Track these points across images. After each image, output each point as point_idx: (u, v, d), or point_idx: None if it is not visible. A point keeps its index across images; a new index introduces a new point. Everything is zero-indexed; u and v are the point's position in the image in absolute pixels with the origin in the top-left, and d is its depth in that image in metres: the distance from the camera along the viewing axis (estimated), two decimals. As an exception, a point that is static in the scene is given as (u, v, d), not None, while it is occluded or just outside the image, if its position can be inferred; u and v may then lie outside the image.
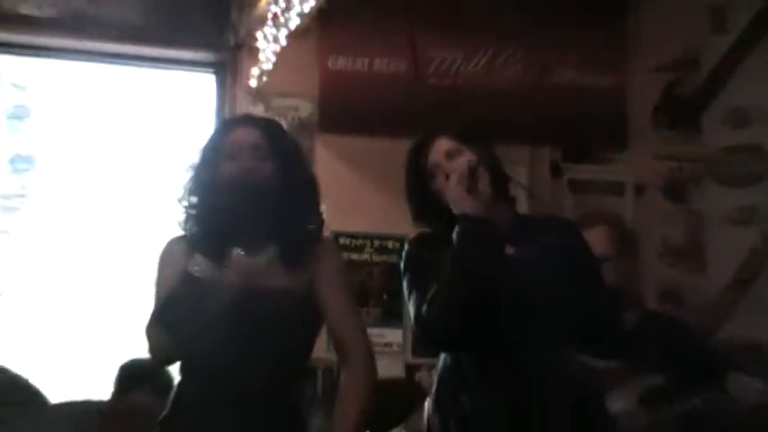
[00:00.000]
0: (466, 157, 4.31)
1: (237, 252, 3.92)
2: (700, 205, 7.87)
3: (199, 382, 4.03)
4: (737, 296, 7.56)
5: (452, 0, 7.79)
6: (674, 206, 7.90)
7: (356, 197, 7.42)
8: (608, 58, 8.02)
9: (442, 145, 4.38)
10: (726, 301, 7.59)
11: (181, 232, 4.15)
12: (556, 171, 7.71)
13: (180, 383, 4.15)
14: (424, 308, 4.23)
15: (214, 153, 4.14)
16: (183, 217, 4.15)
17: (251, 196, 3.98)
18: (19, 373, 5.54)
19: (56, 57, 8.24)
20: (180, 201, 4.16)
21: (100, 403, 5.95)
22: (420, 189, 4.41)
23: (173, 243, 4.19)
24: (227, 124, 4.40)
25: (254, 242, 3.98)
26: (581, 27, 7.96)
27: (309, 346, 4.21)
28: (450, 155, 4.34)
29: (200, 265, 3.87)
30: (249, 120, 4.35)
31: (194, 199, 4.15)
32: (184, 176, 4.17)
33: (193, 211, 4.14)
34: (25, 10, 7.57)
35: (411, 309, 4.40)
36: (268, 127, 4.23)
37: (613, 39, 8.05)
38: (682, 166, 7.91)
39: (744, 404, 5.74)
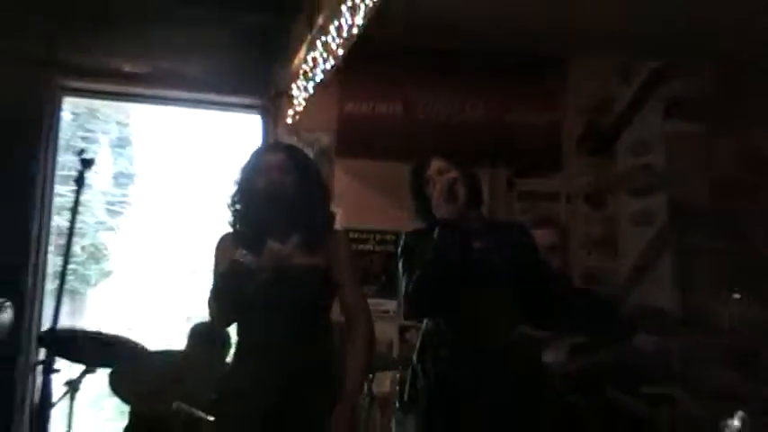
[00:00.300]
0: (450, 175, 4.53)
1: (270, 242, 4.07)
2: (612, 210, 7.99)
3: (253, 336, 4.21)
4: (639, 276, 7.73)
5: (434, 62, 7.86)
6: (593, 211, 8.00)
7: (363, 203, 7.59)
8: (546, 104, 8.09)
9: (436, 164, 4.58)
10: (630, 280, 7.76)
11: (229, 229, 4.33)
12: (510, 185, 7.76)
13: (238, 339, 4.32)
14: (410, 286, 4.44)
15: (252, 171, 4.33)
16: (231, 219, 4.34)
17: (278, 202, 4.19)
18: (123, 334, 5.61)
19: (147, 102, 8.26)
20: (228, 206, 4.35)
21: (179, 352, 6.14)
22: (420, 193, 4.61)
23: (223, 238, 4.35)
24: (261, 150, 4.52)
25: (283, 234, 4.12)
26: (526, 82, 8.07)
27: (327, 307, 4.32)
28: (440, 172, 4.53)
29: (244, 256, 4.02)
30: (277, 146, 4.64)
31: (238, 206, 4.32)
32: (231, 189, 4.35)
33: (237, 215, 4.32)
34: (127, 68, 7.64)
35: (402, 285, 4.60)
36: (290, 150, 4.46)
37: (549, 89, 8.12)
38: (599, 181, 8.04)
39: (645, 353, 5.85)
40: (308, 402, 4.15)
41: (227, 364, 4.39)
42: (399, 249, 4.75)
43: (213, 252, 4.36)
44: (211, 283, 4.24)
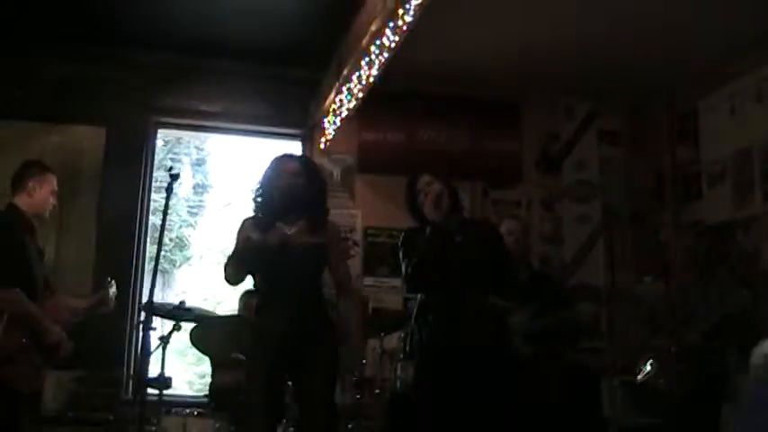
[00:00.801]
0: (436, 187, 4.50)
1: (279, 225, 4.18)
2: (560, 212, 7.93)
3: (272, 292, 4.30)
4: (579, 261, 7.72)
5: (429, 103, 7.84)
6: (546, 213, 7.93)
7: (377, 208, 7.55)
8: (509, 134, 8.05)
9: (425, 179, 4.53)
10: (573, 263, 7.75)
11: (250, 214, 4.39)
12: (485, 194, 7.70)
13: (260, 296, 4.42)
14: (408, 270, 4.43)
15: (272, 173, 4.38)
16: (254, 207, 4.39)
17: (289, 198, 4.27)
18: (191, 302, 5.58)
19: (217, 132, 8.26)
20: (253, 198, 4.40)
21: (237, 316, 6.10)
22: (412, 202, 4.56)
23: (244, 221, 4.41)
24: (279, 159, 4.48)
25: (292, 220, 4.23)
26: (496, 119, 8.06)
27: (321, 274, 4.43)
28: (428, 184, 4.48)
29: (258, 233, 4.15)
30: (291, 156, 4.54)
31: (260, 198, 4.38)
32: (256, 186, 4.41)
33: (259, 205, 4.37)
34: (203, 107, 7.68)
35: (402, 269, 4.56)
36: (301, 160, 4.52)
37: (513, 123, 8.09)
38: (550, 191, 8.00)
39: (583, 319, 5.83)
40: (319, 337, 4.25)
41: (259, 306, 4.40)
42: (400, 242, 4.69)
43: (238, 230, 4.39)
44: (230, 252, 4.30)
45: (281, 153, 4.53)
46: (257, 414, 4.17)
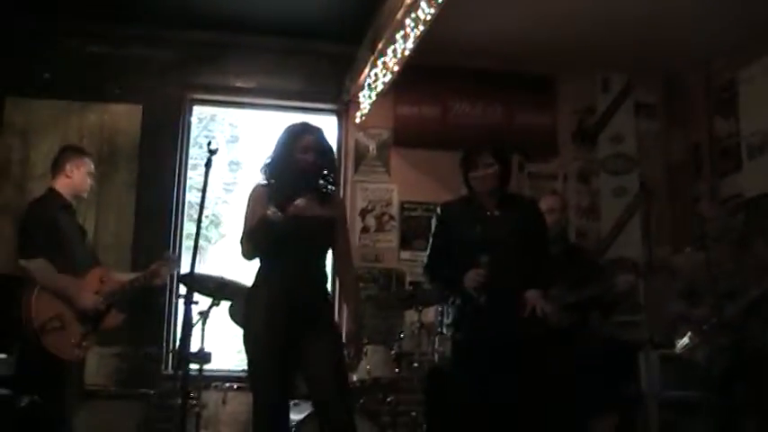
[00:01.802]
0: (494, 170, 4.50)
1: (298, 200, 4.07)
2: (597, 186, 7.88)
3: (278, 265, 4.22)
4: (615, 234, 7.67)
5: (463, 77, 7.81)
6: (583, 186, 7.90)
7: (413, 182, 7.55)
8: (546, 108, 8.00)
9: (486, 159, 4.52)
10: (610, 237, 7.70)
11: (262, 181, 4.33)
12: (521, 168, 7.65)
13: (259, 268, 4.33)
14: (426, 261, 4.77)
15: (283, 143, 4.32)
16: (264, 175, 4.34)
17: (300, 171, 4.20)
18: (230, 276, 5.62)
19: (251, 108, 8.21)
20: (264, 167, 4.36)
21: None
22: (466, 174, 4.60)
23: (256, 188, 4.35)
24: (291, 129, 4.38)
25: (303, 193, 4.12)
26: (532, 92, 8.00)
27: (329, 247, 4.39)
28: (488, 166, 4.51)
29: (274, 213, 4.02)
30: (309, 128, 4.39)
31: (272, 169, 4.31)
32: (269, 155, 4.36)
33: (271, 175, 4.31)
34: (238, 84, 7.67)
35: (428, 249, 4.79)
36: (313, 131, 4.36)
37: (548, 97, 8.05)
38: (587, 164, 7.96)
39: (621, 290, 5.79)
40: (320, 311, 4.26)
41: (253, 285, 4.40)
42: (434, 220, 4.77)
43: (248, 196, 4.34)
44: (245, 224, 4.27)
45: (292, 123, 4.43)
46: (268, 386, 4.12)
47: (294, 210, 4.05)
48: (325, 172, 4.28)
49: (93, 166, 5.49)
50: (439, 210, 4.79)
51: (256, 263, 4.31)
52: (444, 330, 4.96)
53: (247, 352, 4.21)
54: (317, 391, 4.16)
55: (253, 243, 4.19)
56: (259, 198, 4.25)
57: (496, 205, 4.58)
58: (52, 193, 5.31)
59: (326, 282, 4.39)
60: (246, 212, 4.30)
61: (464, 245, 4.50)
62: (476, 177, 4.53)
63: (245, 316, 4.30)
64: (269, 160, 4.34)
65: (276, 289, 4.17)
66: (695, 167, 7.84)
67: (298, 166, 4.21)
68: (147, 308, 6.62)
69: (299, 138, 4.29)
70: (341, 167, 7.29)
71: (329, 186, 4.29)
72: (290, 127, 4.39)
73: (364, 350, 5.21)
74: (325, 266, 4.41)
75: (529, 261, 4.49)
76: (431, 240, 4.76)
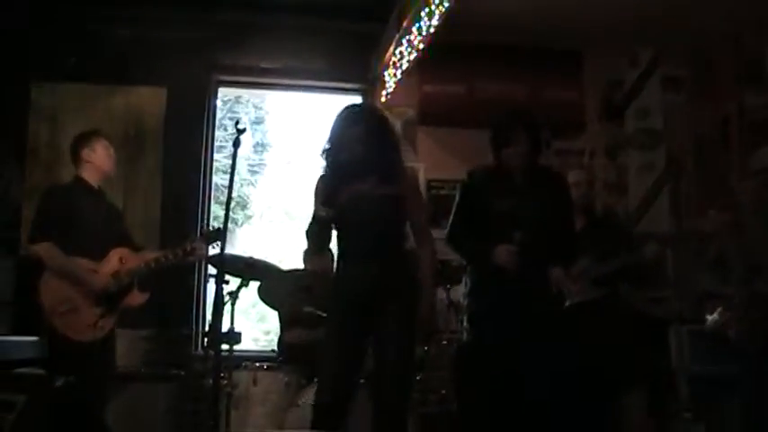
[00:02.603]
0: (526, 146, 4.46)
1: (355, 184, 4.12)
2: (624, 161, 7.80)
3: (351, 245, 4.23)
4: (644, 210, 7.62)
5: (488, 54, 7.79)
6: (610, 161, 7.88)
7: (439, 159, 7.55)
8: (571, 83, 8.00)
9: (521, 134, 4.47)
10: (637, 212, 7.65)
11: (321, 173, 4.28)
12: (547, 144, 7.61)
13: (339, 251, 4.35)
14: (449, 229, 4.66)
15: (339, 128, 4.25)
16: (324, 165, 4.28)
17: (360, 152, 4.16)
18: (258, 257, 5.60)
19: (277, 89, 8.27)
20: (322, 157, 4.29)
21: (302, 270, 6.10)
22: (498, 144, 4.53)
23: (319, 179, 4.29)
24: (346, 112, 4.33)
25: (366, 174, 4.17)
26: (557, 68, 7.99)
27: (401, 223, 4.29)
28: (519, 143, 4.46)
29: (323, 210, 4.11)
30: (357, 108, 4.45)
31: (330, 158, 4.24)
32: (325, 144, 4.30)
33: (329, 165, 4.25)
34: (263, 64, 7.68)
35: (451, 217, 4.68)
36: (368, 111, 4.45)
37: (575, 72, 8.04)
38: (614, 139, 7.90)
39: (649, 258, 5.76)
40: (400, 292, 4.17)
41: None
42: (461, 184, 4.73)
43: (314, 189, 4.29)
44: (311, 219, 4.26)
45: (346, 106, 4.37)
46: (339, 372, 4.11)
47: (352, 190, 4.11)
48: (383, 147, 4.25)
49: (109, 145, 5.48)
50: (467, 176, 4.72)
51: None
52: (461, 300, 4.93)
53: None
54: (379, 378, 4.16)
55: (314, 240, 4.27)
56: (316, 192, 4.26)
57: (526, 178, 4.53)
58: (76, 180, 5.36)
59: (405, 260, 4.31)
60: (314, 201, 4.28)
61: (493, 216, 4.45)
62: (510, 154, 4.47)
63: (330, 303, 4.39)
64: (326, 145, 4.30)
65: (353, 276, 4.19)
66: (724, 141, 7.75)
67: (353, 146, 4.18)
68: (176, 288, 6.68)
69: (352, 117, 4.28)
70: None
71: (391, 162, 4.26)
72: (342, 113, 4.33)
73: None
74: (401, 245, 4.33)
75: (555, 236, 4.47)
76: (456, 207, 4.68)
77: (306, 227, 4.29)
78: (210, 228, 5.40)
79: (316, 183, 4.31)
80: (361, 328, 4.14)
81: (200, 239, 5.29)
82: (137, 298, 5.29)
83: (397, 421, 4.07)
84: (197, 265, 7.10)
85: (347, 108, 4.36)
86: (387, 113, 7.30)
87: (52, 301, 4.99)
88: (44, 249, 5.05)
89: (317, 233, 4.21)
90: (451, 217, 4.69)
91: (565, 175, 5.61)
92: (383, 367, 4.11)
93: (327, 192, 4.16)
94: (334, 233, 4.31)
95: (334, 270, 4.37)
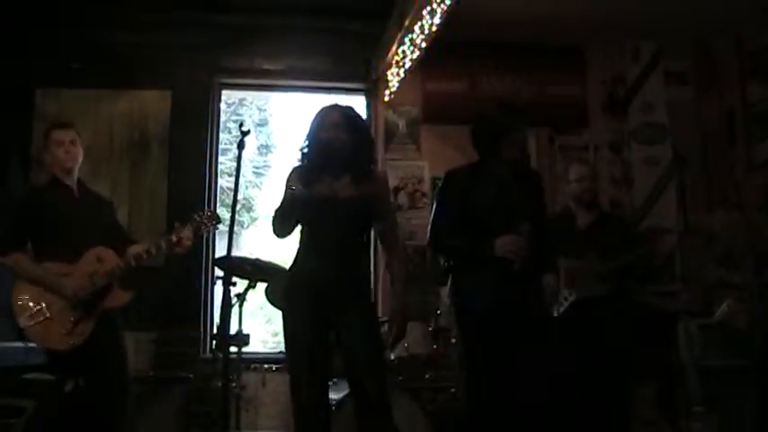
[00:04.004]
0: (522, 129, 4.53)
1: (327, 179, 4.13)
2: (628, 155, 7.74)
3: (313, 242, 4.21)
4: (650, 204, 7.59)
5: (491, 51, 7.78)
6: (614, 155, 7.83)
7: (444, 158, 7.36)
8: (574, 79, 7.96)
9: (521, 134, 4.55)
10: (643, 207, 7.62)
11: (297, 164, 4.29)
12: (551, 140, 7.64)
13: (297, 251, 4.32)
14: (430, 226, 4.66)
15: (316, 125, 4.26)
16: (300, 158, 4.29)
17: (333, 152, 4.16)
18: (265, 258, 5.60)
19: (280, 90, 8.26)
20: (300, 150, 4.30)
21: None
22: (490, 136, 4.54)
23: (291, 171, 4.30)
24: (323, 110, 4.33)
25: (337, 173, 4.16)
26: (559, 64, 7.95)
27: (369, 225, 4.31)
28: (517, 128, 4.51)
29: (299, 190, 4.08)
30: (338, 107, 4.34)
31: (306, 150, 4.26)
32: (303, 138, 4.31)
33: (305, 157, 4.26)
34: (265, 66, 7.67)
35: (431, 214, 4.68)
36: (344, 111, 4.31)
37: (577, 68, 7.98)
38: (618, 134, 7.88)
39: (660, 255, 5.74)
40: (357, 287, 4.24)
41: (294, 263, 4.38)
42: (441, 184, 4.74)
43: (286, 179, 4.31)
44: (277, 204, 4.24)
45: (324, 106, 4.38)
46: (305, 369, 4.11)
47: (323, 186, 4.09)
48: (357, 149, 4.24)
49: (65, 135, 5.18)
50: (445, 176, 4.73)
51: (295, 246, 4.32)
52: (447, 299, 4.90)
53: (285, 331, 4.21)
54: (351, 368, 4.14)
55: (279, 220, 4.21)
56: (291, 178, 4.25)
57: (508, 171, 4.54)
58: (51, 180, 5.18)
59: (364, 261, 4.38)
60: (284, 190, 4.28)
61: (477, 211, 4.46)
62: (511, 145, 4.49)
63: (284, 297, 4.30)
64: (304, 140, 4.32)
65: (312, 270, 4.17)
66: (729, 134, 7.73)
67: (323, 144, 4.20)
68: (183, 290, 6.68)
69: (325, 117, 4.27)
70: (371, 147, 7.26)
71: (363, 164, 4.26)
72: (319, 109, 4.36)
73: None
74: (362, 246, 4.38)
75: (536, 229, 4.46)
76: (436, 208, 4.67)
77: (273, 213, 4.29)
78: (197, 216, 5.08)
79: (289, 173, 4.33)
80: (322, 319, 4.12)
81: (186, 229, 5.05)
82: (119, 298, 5.01)
83: (380, 406, 4.08)
84: (204, 266, 7.11)
85: (325, 108, 4.37)
86: (390, 112, 7.46)
87: (24, 311, 4.80)
88: (12, 261, 4.88)
89: (285, 210, 4.15)
90: (432, 218, 4.68)
91: (569, 169, 5.63)
92: (353, 355, 4.10)
93: (305, 177, 4.16)
94: (298, 228, 4.30)
95: (291, 265, 4.35)
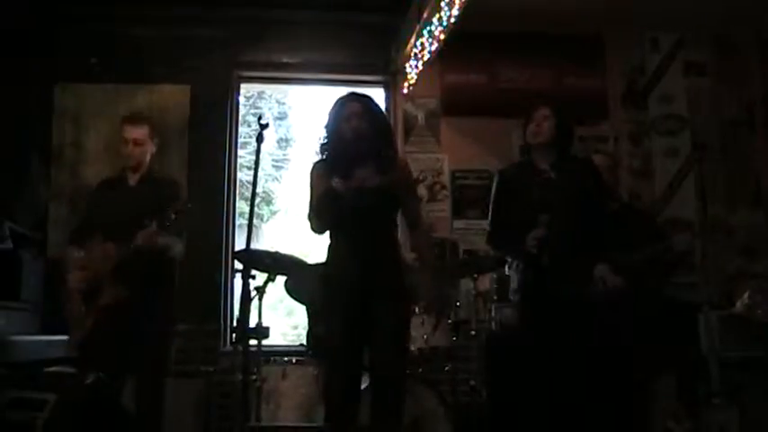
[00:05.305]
0: (551, 122, 4.56)
1: (357, 170, 4.15)
2: (648, 146, 7.74)
3: (345, 234, 4.23)
4: (669, 195, 7.56)
5: (510, 42, 7.72)
6: (634, 147, 7.77)
7: (463, 150, 7.48)
8: (593, 70, 7.89)
9: (543, 111, 4.60)
10: (664, 198, 7.59)
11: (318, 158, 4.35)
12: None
13: (329, 245, 4.33)
14: (490, 227, 4.77)
15: (334, 116, 4.29)
16: (320, 150, 4.34)
17: (354, 141, 4.18)
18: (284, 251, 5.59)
19: (299, 83, 8.26)
20: (320, 142, 4.34)
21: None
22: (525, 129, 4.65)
23: (316, 165, 4.34)
24: (341, 101, 4.35)
25: (361, 163, 4.17)
26: (578, 55, 7.88)
27: (397, 212, 4.39)
28: (545, 118, 4.58)
29: (336, 182, 4.06)
30: (355, 96, 4.37)
31: (327, 141, 4.30)
32: (322, 130, 4.34)
33: (327, 149, 4.29)
34: (284, 59, 7.65)
35: (489, 214, 4.77)
36: (362, 100, 4.33)
37: (597, 59, 7.92)
38: (637, 125, 7.83)
39: (677, 251, 5.71)
40: (390, 278, 4.21)
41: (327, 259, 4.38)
42: (496, 181, 4.76)
43: (309, 174, 4.35)
44: (311, 201, 4.27)
45: (341, 96, 4.40)
46: (341, 362, 4.15)
47: (355, 182, 4.09)
48: (377, 137, 4.27)
49: (132, 131, 5.17)
50: (496, 177, 4.81)
51: (326, 240, 4.34)
52: (511, 297, 4.91)
53: (312, 325, 4.24)
54: (374, 352, 4.17)
55: (321, 216, 4.22)
56: (320, 173, 4.27)
57: (552, 167, 4.58)
58: (117, 172, 5.32)
59: (396, 250, 4.35)
60: (311, 189, 4.31)
61: (522, 209, 4.50)
62: (531, 131, 4.59)
63: (319, 291, 4.36)
64: (324, 131, 4.34)
65: (346, 263, 4.19)
66: (748, 124, 7.69)
67: (345, 135, 4.22)
68: (203, 284, 6.70)
69: (344, 107, 4.30)
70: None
71: (384, 152, 4.28)
72: (336, 99, 4.38)
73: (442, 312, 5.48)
74: (393, 235, 4.38)
75: (587, 222, 4.48)
76: (491, 207, 4.77)
77: (308, 211, 4.29)
78: (172, 214, 4.78)
79: (313, 166, 4.36)
80: (358, 312, 4.14)
81: (153, 226, 4.81)
82: (110, 295, 4.89)
83: (394, 392, 4.14)
84: (223, 260, 7.12)
85: (341, 98, 4.39)
86: (409, 104, 7.45)
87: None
88: (65, 254, 5.05)
89: (327, 205, 4.14)
90: (489, 218, 4.80)
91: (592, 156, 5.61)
92: (376, 347, 4.15)
93: (335, 171, 4.17)
94: None
95: (326, 259, 4.36)
